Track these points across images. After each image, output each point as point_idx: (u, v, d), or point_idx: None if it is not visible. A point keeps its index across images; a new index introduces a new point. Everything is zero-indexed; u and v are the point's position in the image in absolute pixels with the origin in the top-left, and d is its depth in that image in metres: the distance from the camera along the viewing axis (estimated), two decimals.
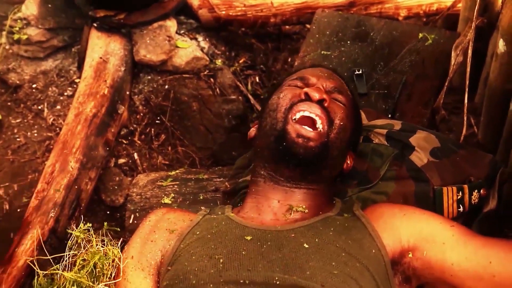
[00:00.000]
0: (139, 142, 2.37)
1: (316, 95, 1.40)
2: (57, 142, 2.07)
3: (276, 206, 1.40)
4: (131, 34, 2.39)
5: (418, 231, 1.34)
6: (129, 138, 2.37)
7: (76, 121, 2.10)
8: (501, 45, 1.90)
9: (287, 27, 2.78)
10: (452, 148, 1.68)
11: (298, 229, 1.33)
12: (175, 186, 1.87)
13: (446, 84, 1.85)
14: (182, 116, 2.38)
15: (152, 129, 2.39)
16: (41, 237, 1.73)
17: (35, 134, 2.38)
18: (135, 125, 2.38)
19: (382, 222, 1.36)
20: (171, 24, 2.41)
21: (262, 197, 1.41)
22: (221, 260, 1.25)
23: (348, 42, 2.07)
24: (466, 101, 1.86)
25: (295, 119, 1.38)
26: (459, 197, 1.60)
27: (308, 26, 2.67)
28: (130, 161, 2.31)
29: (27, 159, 2.31)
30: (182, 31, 2.51)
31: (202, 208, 1.49)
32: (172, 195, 1.82)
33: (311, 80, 1.49)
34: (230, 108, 2.37)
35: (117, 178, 2.21)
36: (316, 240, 1.29)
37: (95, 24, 2.41)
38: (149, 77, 2.42)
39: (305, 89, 1.42)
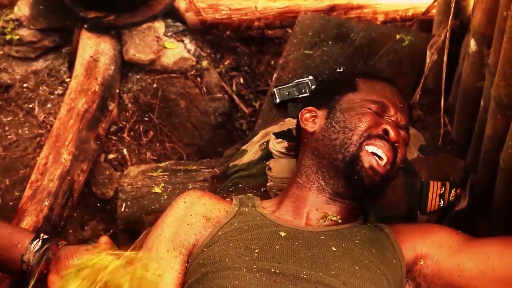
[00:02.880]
0: (128, 138, 2.45)
1: (393, 136, 1.46)
2: (50, 136, 2.14)
3: (313, 212, 1.46)
4: (121, 35, 2.48)
5: (429, 240, 1.43)
6: (119, 134, 2.45)
7: (69, 116, 2.18)
8: (472, 45, 2.02)
9: (269, 32, 2.89)
10: (436, 147, 1.81)
11: (328, 232, 1.42)
12: (165, 176, 1.95)
13: (422, 80, 1.96)
14: (170, 114, 2.47)
15: (141, 126, 2.48)
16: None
17: (26, 132, 2.45)
18: (124, 122, 2.47)
19: (402, 234, 1.45)
20: (159, 26, 2.51)
21: (302, 203, 1.47)
22: (256, 251, 1.33)
23: (330, 42, 2.18)
24: (442, 98, 1.98)
25: (367, 150, 1.45)
26: (441, 192, 1.72)
27: (289, 30, 2.78)
28: (120, 156, 2.39)
29: (19, 155, 2.38)
30: (169, 34, 2.61)
31: (233, 197, 1.53)
32: (162, 184, 1.90)
33: (390, 111, 1.52)
34: (216, 106, 2.47)
35: (107, 172, 2.29)
36: (343, 245, 1.38)
37: (85, 25, 2.49)
38: (138, 76, 2.51)
39: (386, 126, 1.47)
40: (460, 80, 2.25)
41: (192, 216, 1.43)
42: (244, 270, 1.30)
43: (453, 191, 1.74)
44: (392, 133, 1.46)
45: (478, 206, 2.02)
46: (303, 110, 1.57)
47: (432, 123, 2.44)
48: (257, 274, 1.29)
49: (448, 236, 1.43)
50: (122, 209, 1.87)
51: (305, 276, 1.30)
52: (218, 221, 1.43)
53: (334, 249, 1.37)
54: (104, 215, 2.21)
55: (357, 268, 1.34)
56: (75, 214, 2.21)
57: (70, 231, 2.17)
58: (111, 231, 2.16)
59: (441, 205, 1.73)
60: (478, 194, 2.08)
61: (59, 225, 1.97)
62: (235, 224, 1.42)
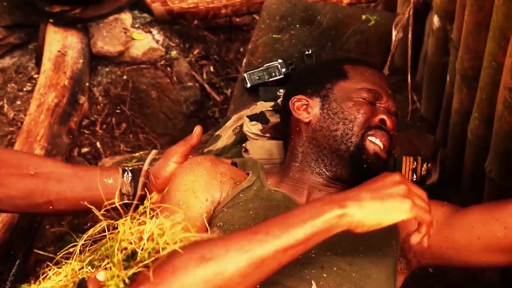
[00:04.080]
0: (100, 131, 2.45)
1: (390, 125, 1.51)
2: (21, 132, 2.13)
3: (315, 193, 1.49)
4: (88, 28, 2.47)
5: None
6: (91, 128, 2.44)
7: (39, 111, 2.17)
8: (436, 21, 2.06)
9: (237, 19, 2.90)
10: (406, 124, 1.85)
11: None
12: (140, 166, 1.95)
13: (389, 59, 2.00)
14: (142, 105, 2.47)
15: (113, 119, 2.47)
16: None
17: None
18: (96, 116, 2.46)
19: None
20: (126, 17, 2.51)
21: (303, 184, 1.49)
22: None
23: (297, 25, 2.20)
24: (409, 76, 2.02)
25: (370, 140, 1.48)
26: (414, 166, 1.76)
27: (257, 17, 2.80)
28: (93, 149, 2.39)
29: None
30: (136, 25, 2.60)
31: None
32: None
33: (383, 99, 1.56)
34: (188, 94, 2.48)
35: None
36: None
37: (51, 20, 2.48)
38: (107, 69, 2.51)
39: (383, 117, 1.51)
40: (426, 57, 2.30)
41: (223, 175, 1.46)
42: None
43: (424, 165, 1.79)
44: (388, 122, 1.51)
45: (450, 180, 2.08)
46: (292, 98, 1.58)
47: (401, 101, 2.48)
48: None
49: (435, 209, 1.44)
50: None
51: (313, 256, 1.33)
52: (242, 184, 1.45)
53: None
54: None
55: (361, 248, 1.38)
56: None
57: (47, 226, 2.17)
58: (89, 224, 2.15)
59: (414, 179, 1.78)
60: (449, 168, 2.13)
61: (36, 220, 1.96)
62: (255, 188, 1.45)
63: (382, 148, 1.49)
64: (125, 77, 2.49)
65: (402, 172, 1.75)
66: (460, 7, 1.85)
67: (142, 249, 1.14)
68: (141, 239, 1.16)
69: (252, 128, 1.73)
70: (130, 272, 1.14)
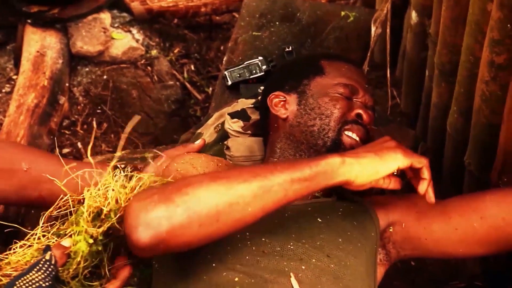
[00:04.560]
0: (81, 131, 2.43)
1: (366, 120, 1.53)
2: (0, 133, 2.11)
3: None
4: (67, 28, 2.45)
5: (399, 207, 1.48)
6: (72, 128, 2.43)
7: (18, 112, 2.16)
8: (414, 16, 2.09)
9: (217, 17, 2.90)
10: (386, 119, 1.87)
11: (313, 204, 1.46)
12: (122, 165, 1.94)
13: (368, 55, 2.02)
14: (123, 104, 2.46)
15: (94, 119, 2.46)
16: None
17: None
18: (76, 116, 2.45)
19: (376, 205, 1.48)
20: (105, 17, 2.49)
21: None
22: None
23: (277, 23, 2.21)
24: (388, 70, 2.04)
25: (346, 134, 1.50)
26: None
27: (237, 15, 2.80)
28: (74, 150, 2.38)
29: None
30: (116, 25, 2.59)
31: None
32: None
33: (359, 93, 1.57)
34: (169, 93, 2.48)
35: None
36: (328, 216, 1.42)
37: (29, 20, 2.46)
38: (87, 69, 2.49)
39: (360, 111, 1.52)
40: (405, 52, 2.32)
41: (218, 161, 1.53)
42: (238, 236, 1.33)
43: None
44: (365, 117, 1.52)
45: (431, 174, 2.10)
46: (270, 95, 1.59)
47: (381, 96, 2.51)
48: (249, 242, 1.33)
49: (414, 201, 1.47)
50: None
51: (291, 248, 1.34)
52: None
53: (320, 220, 1.41)
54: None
55: (340, 240, 1.38)
56: (32, 211, 2.18)
57: (29, 228, 2.14)
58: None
59: (395, 173, 1.79)
60: (430, 162, 2.15)
61: (17, 222, 1.94)
62: None
63: (358, 142, 1.50)
64: (105, 76, 2.48)
65: None
66: (437, 2, 1.87)
67: (107, 208, 1.16)
68: (106, 198, 1.18)
69: (233, 125, 1.73)
70: (100, 229, 1.15)
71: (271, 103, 1.58)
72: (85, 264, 1.17)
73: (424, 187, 1.36)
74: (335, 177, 1.25)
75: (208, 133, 1.83)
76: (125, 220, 1.15)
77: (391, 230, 1.47)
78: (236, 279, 1.27)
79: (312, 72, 1.59)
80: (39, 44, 2.39)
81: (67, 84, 2.40)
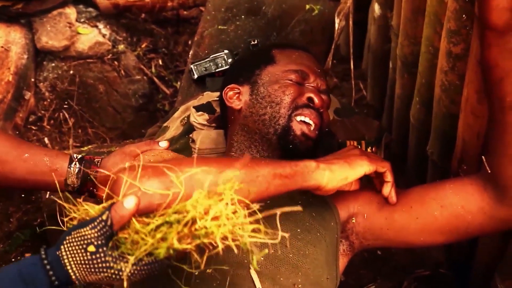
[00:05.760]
0: (48, 127, 2.41)
1: (317, 103, 1.53)
2: None
3: None
4: (31, 23, 2.43)
5: (360, 198, 1.50)
6: (38, 124, 2.41)
7: None
8: (377, 9, 2.11)
9: (185, 12, 2.90)
10: (350, 110, 1.89)
11: (272, 197, 1.47)
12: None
13: (333, 47, 2.03)
14: (90, 99, 2.45)
15: (61, 114, 2.44)
16: None
17: None
18: (43, 111, 2.43)
19: (336, 196, 1.48)
20: (71, 12, 2.47)
21: None
22: None
23: (243, 16, 2.22)
24: (351, 62, 2.06)
25: (297, 120, 1.51)
26: None
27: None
28: (41, 145, 2.35)
29: None
30: (82, 20, 2.57)
31: None
32: None
33: (310, 77, 1.58)
34: (136, 88, 2.47)
35: None
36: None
37: None
38: (53, 64, 2.47)
39: (310, 95, 1.53)
40: (370, 45, 2.35)
41: None
42: None
43: (368, 149, 1.83)
44: (316, 100, 1.53)
45: (395, 164, 2.13)
46: (225, 88, 1.61)
47: (348, 89, 2.54)
48: None
49: (376, 192, 1.50)
50: (47, 196, 1.86)
51: None
52: None
53: (278, 212, 1.42)
54: (30, 205, 2.18)
55: (298, 230, 1.41)
56: None
57: None
58: (39, 220, 2.13)
59: None
60: (394, 152, 2.19)
61: None
62: None
63: (311, 125, 1.51)
64: (71, 72, 2.46)
65: None
66: None
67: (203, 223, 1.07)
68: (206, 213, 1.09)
69: (199, 118, 1.74)
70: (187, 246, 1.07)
71: (226, 96, 1.61)
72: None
73: (388, 189, 1.43)
74: (309, 179, 1.30)
75: (174, 126, 1.83)
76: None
77: (353, 221, 1.49)
78: (196, 272, 1.28)
79: (264, 61, 1.62)
80: (3, 39, 2.37)
81: (32, 80, 2.38)
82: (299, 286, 1.33)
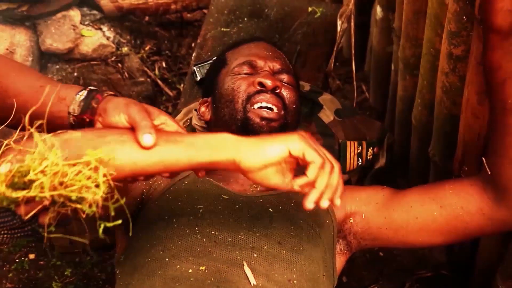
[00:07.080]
0: None
1: (269, 84, 1.51)
2: None
3: (242, 179, 1.51)
4: (36, 25, 2.45)
5: (357, 198, 1.50)
6: (42, 126, 2.41)
7: None
8: (379, 12, 2.12)
9: (188, 15, 2.91)
10: (352, 111, 1.90)
11: (265, 196, 1.48)
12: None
13: (335, 49, 2.04)
14: None
15: None
16: None
17: None
18: None
19: None
20: (75, 14, 2.49)
21: (228, 173, 1.50)
22: (200, 210, 1.41)
23: (245, 19, 2.23)
24: (353, 64, 2.07)
25: (254, 108, 1.51)
26: (359, 151, 1.81)
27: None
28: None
29: None
30: (86, 22, 2.59)
31: None
32: None
33: (258, 64, 1.59)
34: (140, 90, 2.48)
35: None
36: (280, 207, 1.45)
37: None
38: (58, 66, 2.49)
39: (259, 79, 1.52)
40: (372, 47, 2.36)
41: None
42: (187, 231, 1.37)
43: (370, 150, 1.84)
44: (267, 82, 1.53)
45: (398, 165, 2.14)
46: (199, 105, 1.68)
47: (350, 91, 2.54)
48: (199, 236, 1.36)
49: (375, 192, 1.50)
50: None
51: (242, 237, 1.37)
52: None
53: (271, 210, 1.44)
54: None
55: (292, 228, 1.42)
56: None
57: None
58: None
59: (360, 163, 1.83)
60: (396, 153, 2.20)
61: None
62: (186, 183, 1.48)
63: (271, 107, 1.51)
64: (76, 74, 2.48)
65: (347, 156, 1.80)
66: None
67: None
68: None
69: (200, 121, 1.76)
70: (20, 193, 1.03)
71: (199, 112, 1.67)
72: None
73: (300, 181, 1.16)
74: (221, 152, 1.13)
75: None
76: None
77: (351, 221, 1.50)
78: (190, 270, 1.30)
79: (219, 67, 1.66)
80: (8, 42, 2.38)
81: None
82: (295, 282, 1.34)
